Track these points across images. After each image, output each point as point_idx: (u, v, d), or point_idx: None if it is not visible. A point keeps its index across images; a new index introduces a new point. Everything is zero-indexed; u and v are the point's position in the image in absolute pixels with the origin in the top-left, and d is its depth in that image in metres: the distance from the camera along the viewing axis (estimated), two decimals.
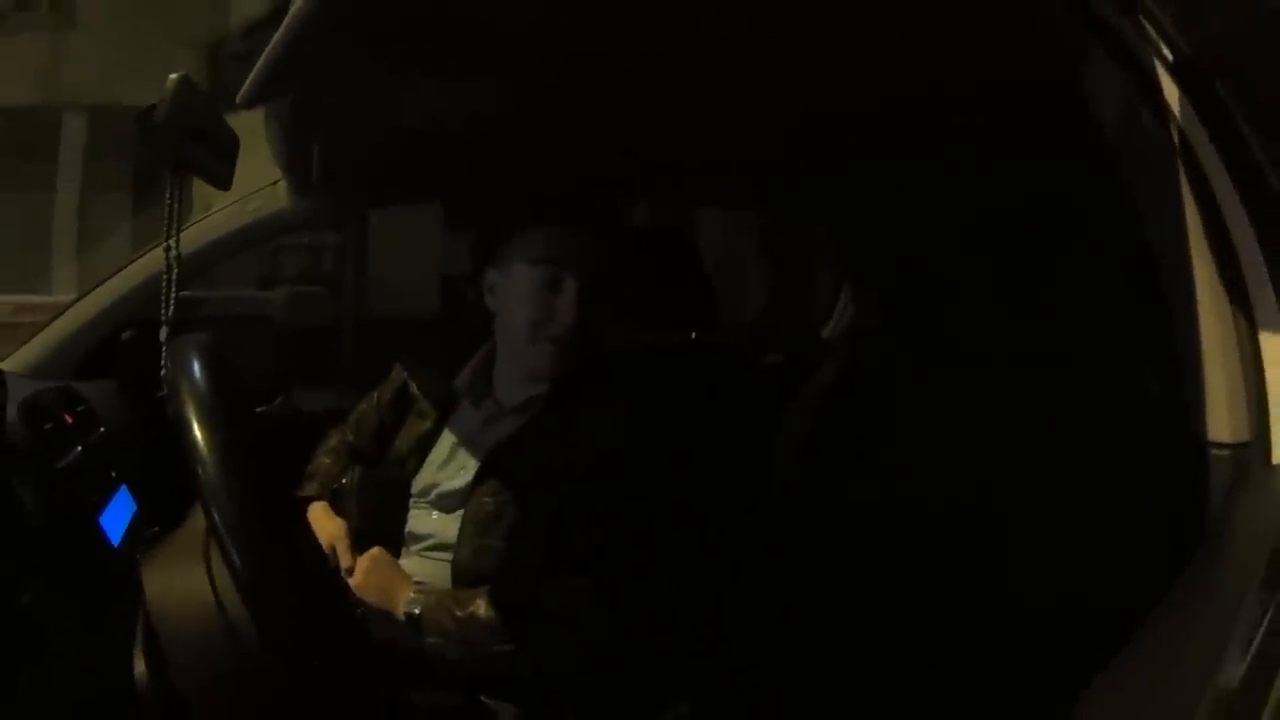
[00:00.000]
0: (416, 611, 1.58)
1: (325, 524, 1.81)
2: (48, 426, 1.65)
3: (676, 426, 1.77)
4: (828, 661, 1.80)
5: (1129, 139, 1.22)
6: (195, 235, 2.16)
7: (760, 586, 1.89)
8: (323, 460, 1.97)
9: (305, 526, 1.25)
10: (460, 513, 1.69)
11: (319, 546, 1.62)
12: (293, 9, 1.00)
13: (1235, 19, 1.10)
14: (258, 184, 2.20)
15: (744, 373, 2.36)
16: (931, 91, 1.52)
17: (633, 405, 1.73)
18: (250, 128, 1.54)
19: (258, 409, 2.46)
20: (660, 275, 2.12)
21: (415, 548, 1.75)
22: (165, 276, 1.32)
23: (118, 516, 1.67)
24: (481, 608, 1.55)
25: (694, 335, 2.20)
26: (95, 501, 1.63)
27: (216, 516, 0.89)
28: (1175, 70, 1.18)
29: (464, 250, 1.92)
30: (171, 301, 1.32)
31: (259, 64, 1.15)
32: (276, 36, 1.07)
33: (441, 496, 1.74)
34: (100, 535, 1.57)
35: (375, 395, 1.98)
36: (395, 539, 1.78)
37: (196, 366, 0.99)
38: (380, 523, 1.79)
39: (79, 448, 1.69)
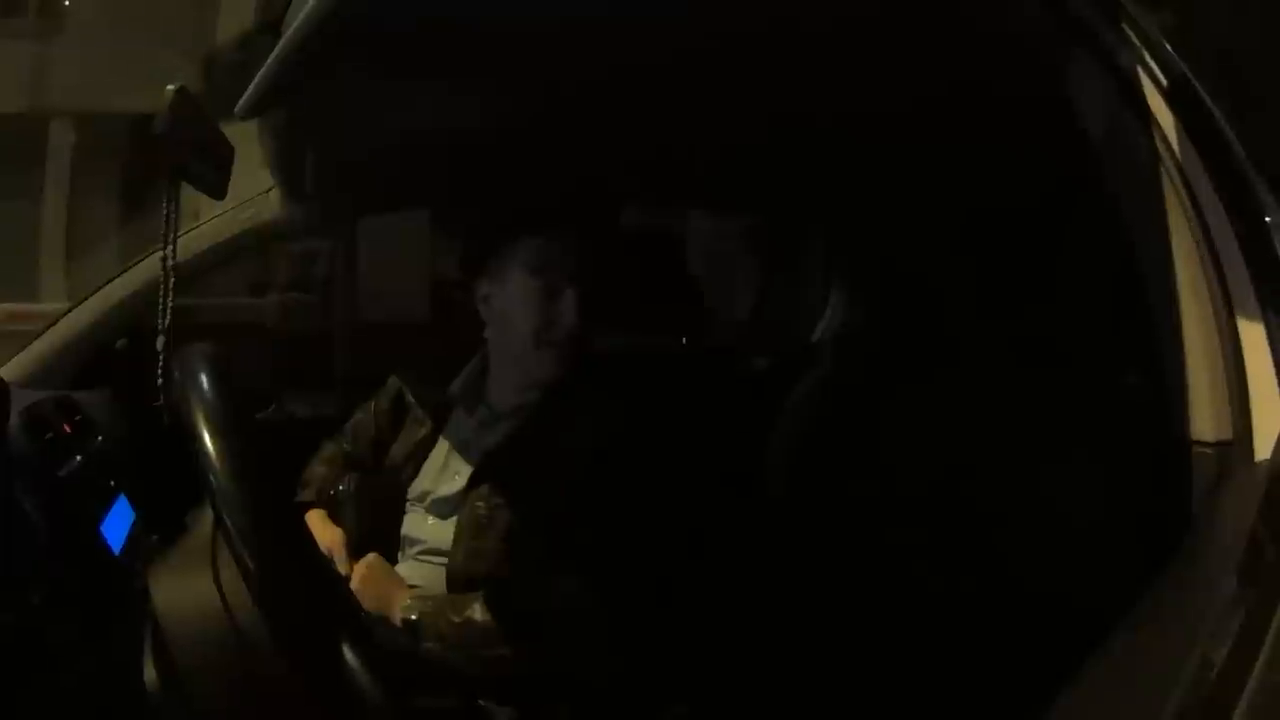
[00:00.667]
0: (413, 617, 1.60)
1: (322, 531, 1.82)
2: (48, 436, 1.66)
3: (667, 429, 1.78)
4: (821, 662, 1.81)
5: (1113, 142, 1.24)
6: (188, 244, 2.16)
7: (754, 588, 1.90)
8: (318, 468, 1.97)
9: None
10: (455, 518, 1.71)
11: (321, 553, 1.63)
12: (295, 23, 1.01)
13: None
14: (249, 192, 2.21)
15: (734, 375, 2.37)
16: (918, 94, 1.54)
17: (624, 409, 1.75)
18: (242, 135, 1.55)
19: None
20: (650, 279, 2.13)
21: (411, 552, 1.76)
22: (162, 286, 1.33)
23: (118, 526, 1.67)
24: (477, 612, 1.57)
25: (684, 338, 2.21)
26: (96, 511, 1.64)
27: (230, 524, 0.91)
28: (1156, 78, 1.20)
29: (456, 257, 1.93)
30: (168, 311, 1.33)
31: (258, 76, 1.16)
32: (277, 50, 1.08)
33: (436, 502, 1.76)
34: (102, 544, 1.57)
35: (372, 404, 1.99)
36: (391, 545, 1.79)
37: (205, 377, 1.00)
38: (377, 529, 1.80)
39: (78, 457, 1.69)
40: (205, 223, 2.23)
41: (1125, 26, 1.21)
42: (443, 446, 1.82)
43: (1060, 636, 1.01)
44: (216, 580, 0.97)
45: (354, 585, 1.67)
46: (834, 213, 2.44)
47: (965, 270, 1.93)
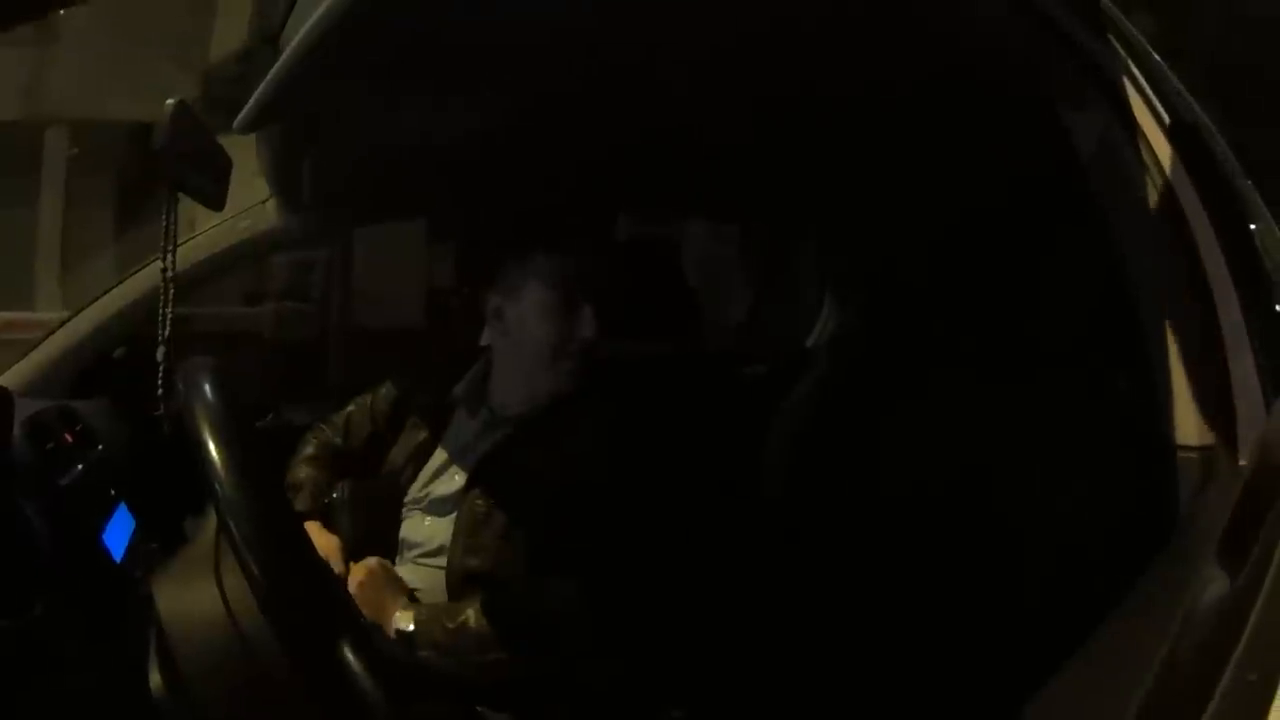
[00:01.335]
0: (408, 628, 1.61)
1: (318, 539, 1.82)
2: (50, 445, 1.67)
3: (663, 434, 1.79)
4: (817, 664, 1.82)
5: (1099, 148, 1.25)
6: (186, 254, 2.16)
7: (749, 592, 1.91)
8: (304, 470, 1.94)
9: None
10: (453, 517, 1.72)
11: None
12: (297, 38, 1.02)
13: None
14: (246, 202, 2.22)
15: (729, 381, 2.39)
16: (908, 99, 1.55)
17: (621, 414, 1.76)
18: (237, 144, 1.56)
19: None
20: (646, 286, 2.15)
21: (409, 555, 1.77)
22: (161, 297, 1.33)
23: (119, 534, 1.68)
24: (471, 618, 1.58)
25: (681, 344, 2.22)
26: (97, 520, 1.65)
27: (235, 533, 0.92)
28: (1141, 86, 1.22)
29: (451, 265, 1.95)
30: (168, 322, 1.34)
31: (258, 92, 1.17)
32: (277, 67, 1.09)
33: (434, 502, 1.77)
34: (104, 553, 1.58)
35: (369, 400, 1.99)
36: (388, 549, 1.80)
37: (209, 389, 1.02)
38: (373, 533, 1.81)
39: (80, 466, 1.70)
40: (202, 233, 2.24)
41: (1111, 36, 1.22)
42: (442, 449, 1.83)
43: (1049, 635, 1.03)
44: (220, 587, 0.98)
45: (352, 590, 1.68)
46: (826, 218, 2.45)
47: (954, 275, 1.94)
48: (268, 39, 1.33)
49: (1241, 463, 1.11)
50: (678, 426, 1.84)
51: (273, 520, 0.96)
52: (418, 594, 1.70)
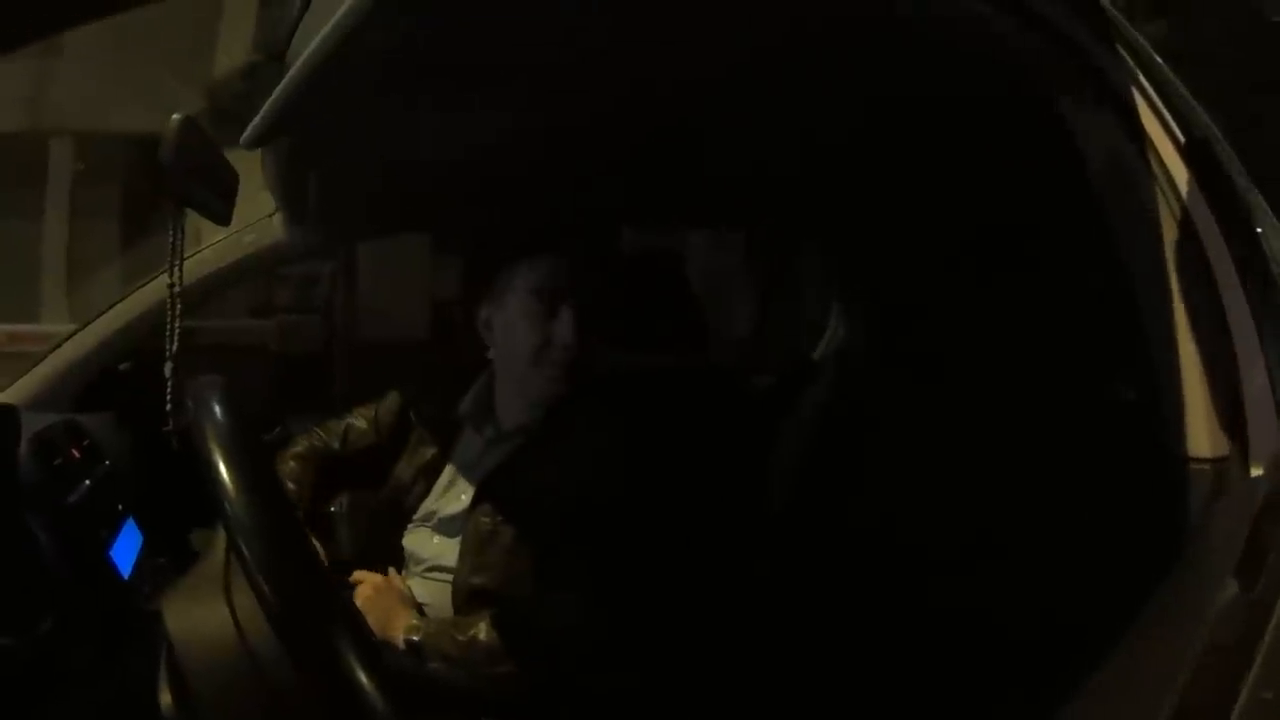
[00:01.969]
0: (417, 639, 1.61)
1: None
2: (57, 462, 1.67)
3: (669, 447, 1.79)
4: (824, 678, 1.81)
5: (1107, 160, 1.25)
6: (192, 268, 2.15)
7: (755, 606, 1.90)
8: (288, 465, 1.91)
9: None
10: (460, 536, 1.72)
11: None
12: (301, 57, 1.02)
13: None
14: (251, 216, 2.22)
15: (736, 394, 2.38)
16: (918, 112, 1.55)
17: (626, 426, 1.76)
18: (243, 158, 1.56)
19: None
20: (651, 298, 2.14)
21: (417, 570, 1.77)
22: (169, 312, 1.33)
23: (126, 550, 1.68)
24: (482, 631, 1.57)
25: (686, 357, 2.22)
26: (105, 536, 1.65)
27: (245, 552, 0.92)
28: (1150, 96, 1.22)
29: (456, 277, 1.94)
30: (175, 337, 1.34)
31: (264, 108, 1.17)
32: (284, 83, 1.09)
33: (442, 521, 1.77)
34: (111, 569, 1.58)
35: (374, 411, 1.99)
36: (387, 561, 1.80)
37: (218, 408, 1.02)
38: (372, 547, 1.81)
39: (87, 482, 1.70)
40: (208, 247, 2.25)
41: (1119, 46, 1.22)
42: (450, 466, 1.83)
43: (1057, 651, 1.02)
44: (230, 606, 0.98)
45: (359, 602, 1.68)
46: (835, 231, 2.45)
47: (962, 288, 1.94)
48: (273, 54, 1.33)
49: (1254, 474, 1.10)
50: (683, 438, 1.84)
51: (283, 540, 0.96)
52: (425, 608, 1.70)
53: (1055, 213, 1.56)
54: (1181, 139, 1.21)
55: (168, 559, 1.77)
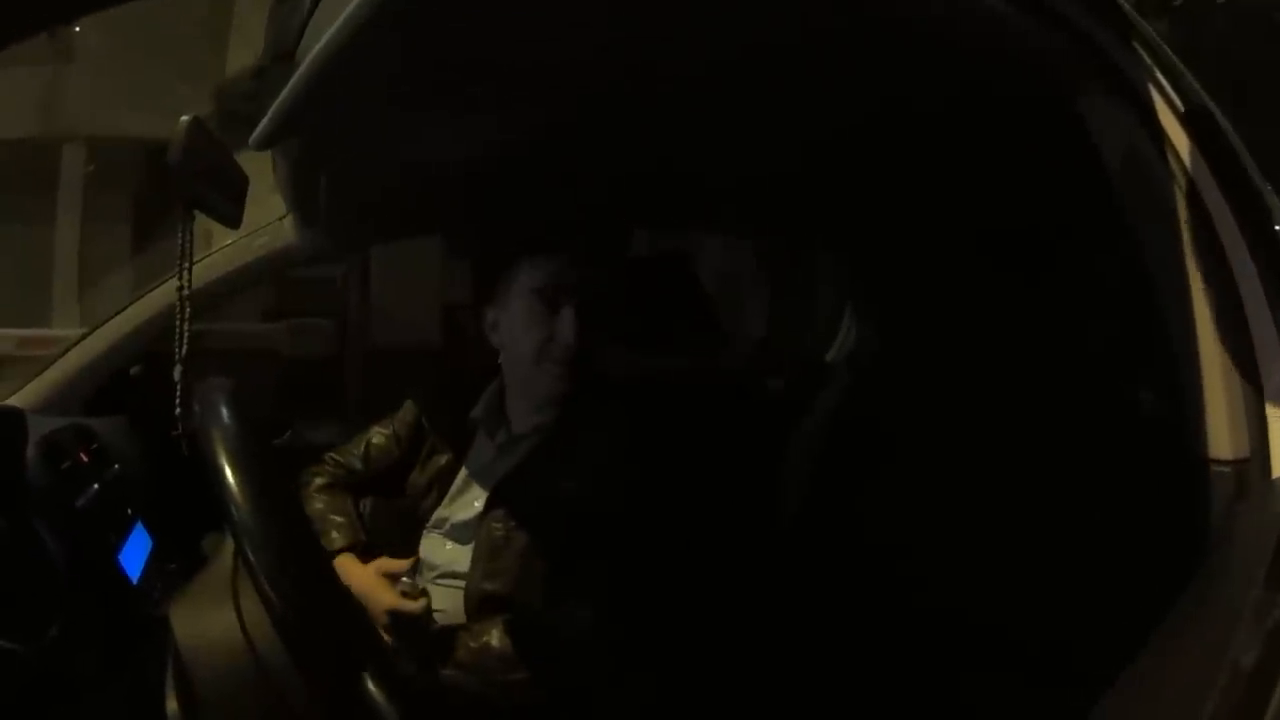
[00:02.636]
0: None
1: (357, 571, 1.76)
2: (65, 465, 1.66)
3: (681, 451, 1.78)
4: (835, 685, 1.80)
5: (1126, 161, 1.24)
6: (202, 271, 2.16)
7: (765, 610, 1.89)
8: (320, 502, 1.87)
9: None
10: (473, 543, 1.71)
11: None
12: (311, 55, 1.01)
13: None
14: (261, 219, 2.22)
15: (748, 398, 2.37)
16: (933, 115, 1.54)
17: (638, 430, 1.75)
18: (254, 161, 1.55)
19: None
20: (663, 301, 2.14)
21: (430, 576, 1.77)
22: (178, 315, 1.32)
23: (136, 554, 1.68)
24: (495, 638, 1.57)
25: (698, 359, 2.21)
26: (114, 540, 1.64)
27: (253, 559, 0.91)
28: (1169, 96, 1.20)
29: (468, 281, 1.94)
30: (185, 341, 1.33)
31: (273, 108, 1.16)
32: (293, 81, 1.08)
33: (455, 527, 1.77)
34: (120, 574, 1.57)
35: (392, 427, 1.97)
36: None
37: (226, 414, 1.01)
38: (392, 553, 1.80)
39: (96, 486, 1.70)
40: (218, 250, 2.24)
41: (1136, 45, 1.21)
42: (463, 472, 1.82)
43: (1086, 657, 1.01)
44: (238, 612, 0.97)
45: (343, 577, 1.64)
46: (848, 234, 2.44)
47: (977, 289, 1.93)
48: (282, 55, 1.32)
49: (1276, 475, 1.09)
50: (695, 442, 1.83)
51: (290, 547, 0.96)
52: (438, 614, 1.69)
53: (1072, 213, 1.55)
54: (1197, 136, 1.20)
55: (177, 564, 1.76)
